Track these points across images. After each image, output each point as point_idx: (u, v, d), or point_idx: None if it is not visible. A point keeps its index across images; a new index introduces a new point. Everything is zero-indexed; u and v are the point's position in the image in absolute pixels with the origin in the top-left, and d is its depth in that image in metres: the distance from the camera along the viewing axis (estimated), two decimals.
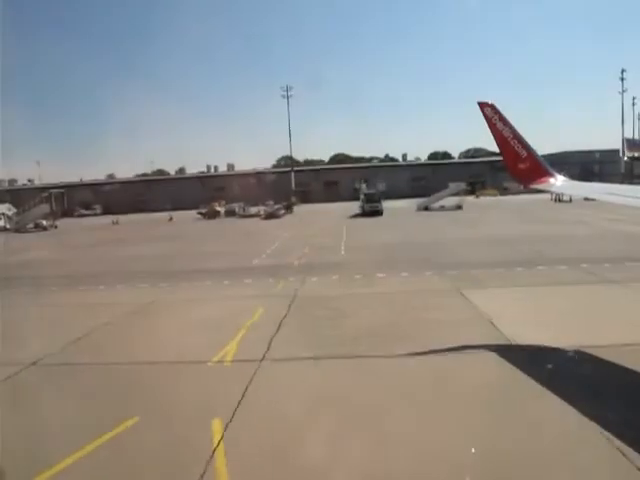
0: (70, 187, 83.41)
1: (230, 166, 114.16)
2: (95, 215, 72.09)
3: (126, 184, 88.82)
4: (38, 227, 47.69)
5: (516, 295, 11.59)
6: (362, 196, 46.20)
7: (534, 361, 7.06)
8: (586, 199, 46.29)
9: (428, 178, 78.93)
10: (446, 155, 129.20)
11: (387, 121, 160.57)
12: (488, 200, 62.26)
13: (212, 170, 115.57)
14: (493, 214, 36.65)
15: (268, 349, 8.18)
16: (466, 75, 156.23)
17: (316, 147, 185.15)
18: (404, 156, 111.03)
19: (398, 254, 19.07)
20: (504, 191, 71.74)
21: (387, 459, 4.72)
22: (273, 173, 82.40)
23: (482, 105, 7.48)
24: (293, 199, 73.73)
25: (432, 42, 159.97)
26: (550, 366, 6.78)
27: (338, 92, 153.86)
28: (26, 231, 45.82)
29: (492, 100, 7.46)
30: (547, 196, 50.29)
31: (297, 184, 78.50)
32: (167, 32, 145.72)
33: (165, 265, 19.30)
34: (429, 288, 12.70)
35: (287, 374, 7.08)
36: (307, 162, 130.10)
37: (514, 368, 6.73)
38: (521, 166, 7.48)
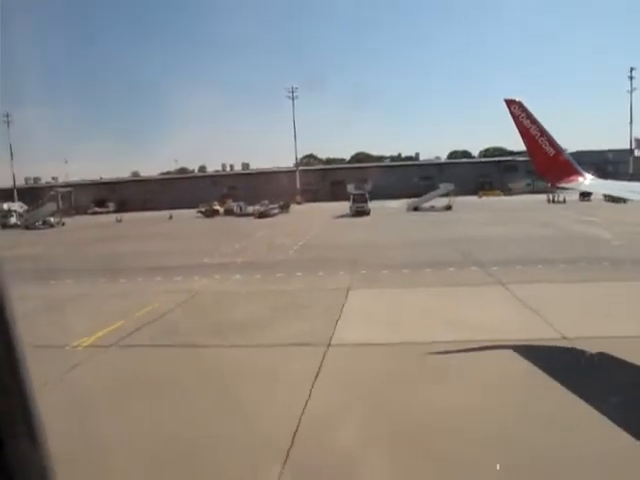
0: (85, 185, 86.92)
1: (245, 165, 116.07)
2: (108, 212, 75.05)
3: (140, 182, 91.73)
4: (46, 224, 50.32)
5: (392, 295, 12.39)
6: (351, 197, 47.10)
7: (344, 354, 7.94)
8: (582, 200, 45.93)
9: (435, 177, 78.59)
10: (466, 154, 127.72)
11: (409, 120, 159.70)
12: (488, 200, 61.94)
13: (227, 169, 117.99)
14: (476, 215, 36.92)
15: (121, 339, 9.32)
16: (483, 74, 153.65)
17: (339, 146, 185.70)
18: (417, 155, 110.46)
19: (340, 254, 19.96)
20: (508, 191, 71.12)
21: None
22: (281, 172, 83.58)
23: (509, 102, 7.26)
24: (298, 198, 75.28)
25: (451, 43, 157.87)
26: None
27: (361, 91, 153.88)
28: (35, 228, 48.46)
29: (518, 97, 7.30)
30: (544, 197, 50.09)
31: (305, 183, 79.65)
32: (198, 31, 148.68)
33: (124, 263, 20.59)
34: (323, 287, 13.58)
35: (117, 359, 8.19)
36: (329, 161, 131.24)
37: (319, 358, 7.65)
38: (549, 165, 7.30)
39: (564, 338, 8.12)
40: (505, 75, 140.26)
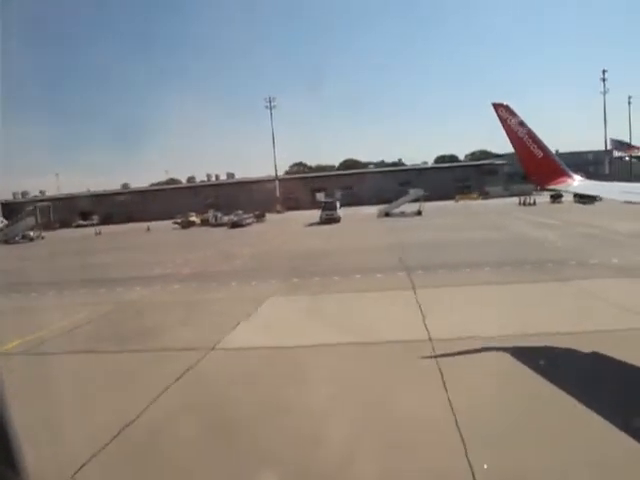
0: (73, 198, 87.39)
1: (230, 175, 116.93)
2: (92, 225, 75.23)
3: (126, 194, 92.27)
4: (25, 238, 50.62)
5: (303, 302, 12.96)
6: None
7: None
8: (553, 202, 46.78)
9: (413, 182, 79.45)
10: (453, 158, 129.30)
11: (397, 126, 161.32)
12: (463, 204, 62.81)
13: (213, 178, 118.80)
14: (441, 220, 37.71)
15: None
16: (468, 77, 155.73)
17: (329, 153, 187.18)
18: (399, 161, 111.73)
19: (286, 263, 20.58)
20: (486, 195, 72.05)
21: None
22: (264, 181, 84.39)
23: (496, 106, 7.35)
24: (278, 207, 75.99)
25: (439, 44, 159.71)
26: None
27: (351, 98, 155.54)
28: (14, 242, 48.75)
29: (505, 101, 7.44)
30: (517, 200, 51.12)
31: (285, 192, 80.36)
32: (187, 42, 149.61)
33: (78, 275, 20.95)
34: (245, 296, 14.12)
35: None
36: (319, 168, 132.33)
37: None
38: (537, 167, 7.33)
39: (429, 339, 8.65)
40: (491, 77, 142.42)
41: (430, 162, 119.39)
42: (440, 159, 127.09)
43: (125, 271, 21.31)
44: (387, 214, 47.92)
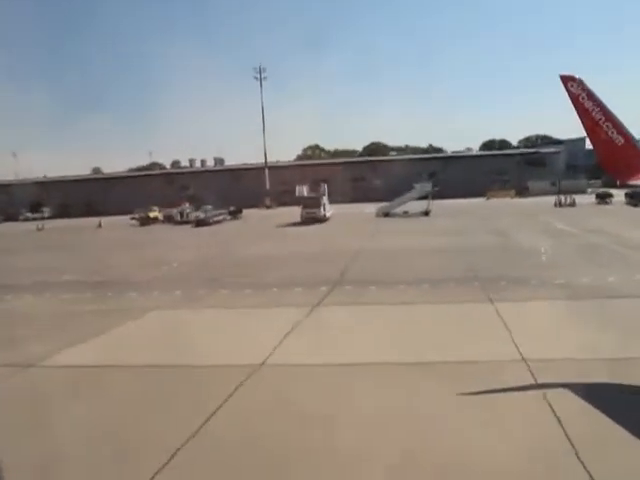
0: (25, 185, 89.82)
1: (218, 161, 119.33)
2: (42, 219, 77.69)
3: (85, 182, 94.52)
4: None
5: (180, 316, 14.22)
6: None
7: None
8: (599, 203, 47.06)
9: (439, 174, 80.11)
10: (504, 143, 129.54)
11: (436, 105, 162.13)
12: (490, 203, 63.25)
13: (198, 164, 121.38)
14: (445, 223, 38.71)
15: None
16: (526, 47, 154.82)
17: (350, 135, 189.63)
18: (430, 146, 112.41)
19: (210, 273, 21.98)
20: (524, 192, 71.90)
21: None
22: (255, 170, 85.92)
23: (565, 79, 7.14)
24: (267, 201, 77.42)
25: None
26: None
27: (377, 69, 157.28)
28: None
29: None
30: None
31: (281, 183, 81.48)
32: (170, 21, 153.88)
33: None
34: (131, 307, 15.44)
35: None
36: (337, 153, 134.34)
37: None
38: (616, 157, 7.05)
39: (262, 364, 9.72)
40: (557, 48, 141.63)
41: (476, 149, 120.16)
42: (487, 145, 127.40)
43: (35, 276, 22.85)
44: (387, 214, 48.71)
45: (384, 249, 26.54)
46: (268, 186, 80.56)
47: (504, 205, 57.86)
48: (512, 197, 71.47)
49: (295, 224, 45.75)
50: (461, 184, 77.58)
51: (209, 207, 55.52)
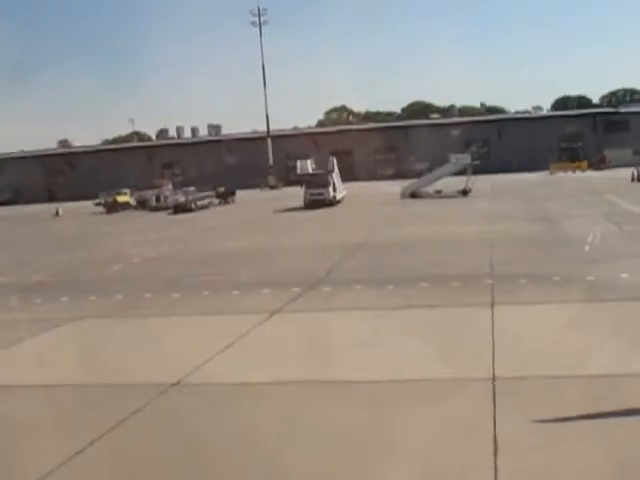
0: None
1: (214, 129, 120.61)
2: None
3: (44, 159, 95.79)
4: None
5: (104, 327, 14.90)
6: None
7: None
8: None
9: (489, 142, 79.77)
10: (582, 101, 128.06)
11: (496, 57, 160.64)
12: (555, 179, 63.08)
13: (187, 134, 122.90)
14: (486, 205, 39.36)
15: None
16: None
17: (386, 95, 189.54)
18: (481, 105, 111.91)
19: (170, 271, 23.17)
20: (600, 162, 71.04)
21: None
22: (258, 140, 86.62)
23: None
24: (271, 180, 78.02)
25: None
26: None
27: (423, 16, 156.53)
28: None
29: None
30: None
31: (289, 157, 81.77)
32: None
33: None
34: (56, 317, 16.13)
35: None
36: (369, 116, 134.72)
37: None
38: None
39: (176, 384, 10.25)
40: None
41: (547, 108, 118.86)
42: (561, 103, 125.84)
43: None
44: (414, 194, 48.94)
45: (393, 241, 27.14)
46: (272, 161, 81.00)
47: (569, 181, 57.71)
48: (583, 170, 70.73)
49: (297, 209, 46.41)
50: (520, 154, 77.18)
51: (192, 189, 56.40)
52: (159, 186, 66.09)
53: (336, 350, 11.89)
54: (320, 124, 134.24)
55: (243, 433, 8.24)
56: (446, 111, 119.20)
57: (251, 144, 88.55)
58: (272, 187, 75.65)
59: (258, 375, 10.48)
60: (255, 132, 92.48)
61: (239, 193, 64.45)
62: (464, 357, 10.87)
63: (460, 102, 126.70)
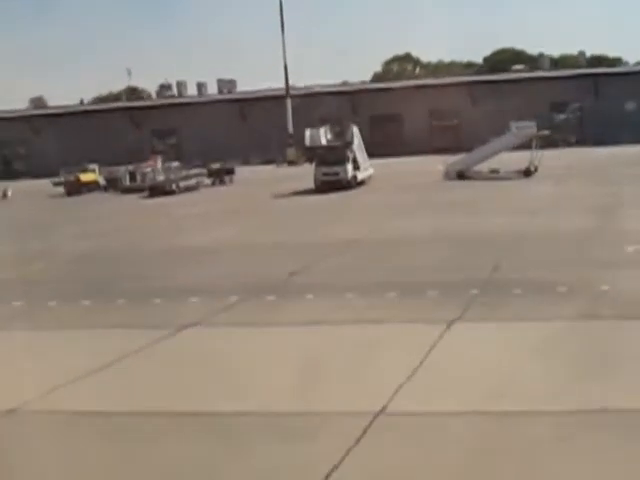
0: None
1: (226, 84, 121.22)
2: None
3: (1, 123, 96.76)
4: None
5: None
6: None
7: None
8: None
9: (582, 105, 79.20)
10: None
11: None
12: None
13: (191, 91, 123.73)
14: (549, 191, 40.07)
15: None
16: None
17: (464, 42, 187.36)
18: (579, 53, 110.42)
19: (108, 272, 24.51)
20: None
21: None
22: (265, 100, 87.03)
23: None
24: (290, 152, 78.03)
25: None
26: None
27: None
28: None
29: None
30: None
31: (315, 122, 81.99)
32: None
33: None
34: None
35: None
36: (441, 67, 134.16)
37: None
38: None
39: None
40: None
41: None
42: None
43: None
44: (462, 174, 49.12)
45: (395, 238, 27.78)
46: (292, 129, 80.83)
47: None
48: None
49: (305, 193, 47.05)
50: (624, 120, 76.16)
51: (175, 164, 57.46)
52: (146, 160, 66.94)
53: (210, 376, 12.66)
54: (376, 78, 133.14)
55: None
56: (533, 63, 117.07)
57: (270, 105, 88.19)
58: (291, 163, 74.92)
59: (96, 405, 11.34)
60: (276, 90, 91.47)
61: (247, 170, 65.58)
62: (366, 386, 11.57)
63: (562, 50, 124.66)
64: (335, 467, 8.26)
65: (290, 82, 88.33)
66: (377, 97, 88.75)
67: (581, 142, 75.11)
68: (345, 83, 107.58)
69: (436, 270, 21.03)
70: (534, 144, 49.33)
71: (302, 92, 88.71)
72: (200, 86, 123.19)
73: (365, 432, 9.46)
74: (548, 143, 63.81)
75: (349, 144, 49.58)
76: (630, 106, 77.44)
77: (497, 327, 14.89)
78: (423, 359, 12.72)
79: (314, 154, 50.71)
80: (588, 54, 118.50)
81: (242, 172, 65.30)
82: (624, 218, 29.26)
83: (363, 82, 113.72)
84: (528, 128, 49.82)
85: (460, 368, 12.42)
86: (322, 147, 50.83)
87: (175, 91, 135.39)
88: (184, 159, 65.44)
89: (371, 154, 74.06)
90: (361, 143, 52.08)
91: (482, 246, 24.57)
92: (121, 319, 17.53)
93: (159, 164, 63.20)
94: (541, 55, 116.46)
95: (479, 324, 15.16)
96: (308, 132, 52.26)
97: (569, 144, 73.91)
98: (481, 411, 10.12)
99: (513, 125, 51.62)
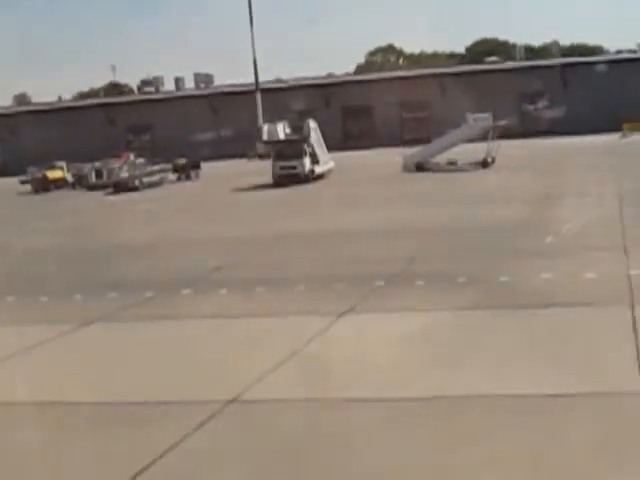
0: None
1: (203, 79, 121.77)
2: None
3: None
4: None
5: None
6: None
7: None
8: None
9: (551, 93, 79.80)
10: None
11: None
12: (621, 144, 63.03)
13: (168, 86, 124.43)
14: (499, 183, 40.51)
15: None
16: None
17: (448, 32, 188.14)
18: (554, 43, 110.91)
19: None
20: None
21: None
22: (237, 95, 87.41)
23: None
24: (259, 146, 77.97)
25: None
26: None
27: None
28: None
29: None
30: None
31: (287, 115, 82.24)
32: None
33: None
34: None
35: None
36: (424, 58, 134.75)
37: None
38: None
39: None
40: None
41: None
42: None
43: None
44: (420, 166, 49.61)
45: (332, 231, 28.22)
46: (262, 122, 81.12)
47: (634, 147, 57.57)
48: None
49: (265, 187, 47.56)
50: (595, 110, 76.66)
51: (140, 161, 57.88)
52: (118, 156, 67.27)
53: (86, 368, 13.17)
54: (360, 69, 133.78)
55: None
56: (527, 52, 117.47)
57: (242, 99, 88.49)
58: (261, 156, 74.83)
59: None
60: (247, 85, 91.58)
61: (218, 165, 66.05)
62: (230, 376, 12.05)
63: (545, 40, 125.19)
64: (169, 449, 8.83)
65: (274, 75, 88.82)
66: (350, 89, 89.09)
67: (551, 132, 75.31)
68: (330, 75, 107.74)
69: (355, 262, 21.55)
70: (490, 135, 49.70)
71: (274, 86, 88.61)
72: (178, 81, 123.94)
73: (210, 418, 10.01)
74: (519, 133, 65.01)
75: (306, 138, 49.88)
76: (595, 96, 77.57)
77: (382, 318, 15.52)
78: (298, 350, 13.27)
79: (272, 148, 50.50)
80: (570, 43, 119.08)
81: (212, 167, 66.10)
82: (558, 208, 30.02)
83: (347, 74, 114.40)
84: (484, 120, 50.36)
85: (329, 359, 13.08)
86: (279, 141, 51.31)
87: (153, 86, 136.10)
88: (159, 155, 65.37)
89: (343, 146, 74.99)
90: (320, 137, 52.51)
91: (409, 238, 25.14)
92: (35, 315, 17.78)
93: (132, 158, 63.80)
94: (514, 46, 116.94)
95: (367, 315, 15.86)
96: (265, 127, 53.03)
97: (539, 134, 74.19)
98: (326, 398, 10.66)
99: (470, 117, 52.12)
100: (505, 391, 10.21)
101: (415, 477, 7.97)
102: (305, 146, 49.40)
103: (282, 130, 52.46)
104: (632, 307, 14.46)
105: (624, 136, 68.94)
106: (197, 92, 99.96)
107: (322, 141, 53.22)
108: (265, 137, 52.99)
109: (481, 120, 50.89)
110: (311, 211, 35.85)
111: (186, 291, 19.48)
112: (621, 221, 25.98)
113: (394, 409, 10.06)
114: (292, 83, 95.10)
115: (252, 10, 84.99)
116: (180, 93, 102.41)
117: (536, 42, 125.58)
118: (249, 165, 72.62)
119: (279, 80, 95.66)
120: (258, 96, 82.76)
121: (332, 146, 74.52)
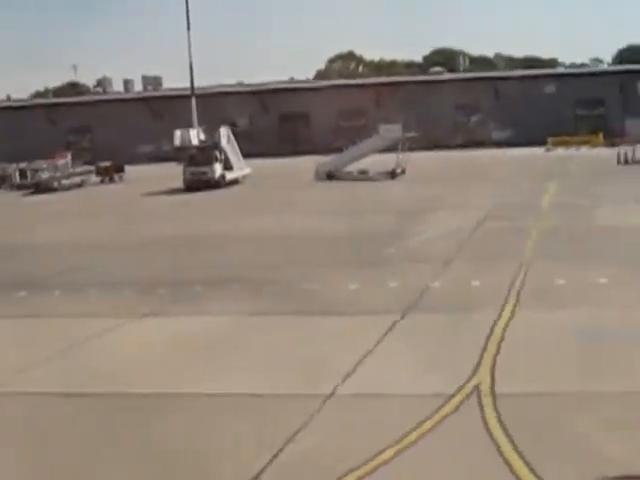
0: None
1: (151, 82, 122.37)
2: None
3: None
4: None
5: None
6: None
7: None
8: None
9: (483, 107, 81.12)
10: None
11: None
12: (542, 157, 64.92)
13: (118, 88, 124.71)
14: (403, 194, 42.02)
15: None
16: None
17: (410, 40, 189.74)
18: (497, 56, 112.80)
19: None
20: (618, 138, 71.02)
21: None
22: (174, 99, 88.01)
23: None
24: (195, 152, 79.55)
25: None
26: None
27: None
28: None
29: None
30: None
31: (225, 120, 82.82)
32: None
33: None
34: None
35: None
36: (383, 66, 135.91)
37: None
38: None
39: None
40: None
41: (608, 60, 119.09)
42: (626, 54, 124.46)
43: None
44: (331, 175, 50.60)
45: (194, 236, 29.63)
46: (196, 123, 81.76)
47: (555, 160, 59.10)
48: (594, 145, 71.41)
49: (177, 191, 48.42)
50: (522, 123, 78.38)
51: (62, 162, 58.56)
52: (53, 158, 67.54)
53: None
54: (319, 75, 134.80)
55: None
56: (480, 62, 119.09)
57: (181, 104, 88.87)
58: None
59: None
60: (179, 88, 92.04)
61: (149, 168, 67.07)
62: None
63: (501, 50, 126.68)
64: None
65: (237, 79, 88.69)
66: (288, 96, 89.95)
67: (483, 144, 76.74)
68: (292, 80, 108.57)
69: (194, 267, 22.65)
70: (400, 147, 50.77)
71: (214, 91, 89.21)
72: (126, 83, 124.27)
73: None
74: (449, 145, 66.21)
75: (217, 145, 50.80)
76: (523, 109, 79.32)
77: (170, 321, 16.42)
78: (68, 349, 14.15)
79: (183, 154, 51.51)
80: (525, 55, 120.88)
81: (142, 170, 67.02)
82: (425, 220, 30.83)
83: (307, 79, 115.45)
84: (394, 131, 51.28)
85: (90, 359, 13.82)
86: (191, 147, 52.27)
87: (116, 85, 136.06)
88: (98, 156, 66.08)
89: (279, 152, 75.89)
90: (234, 144, 53.39)
91: (267, 245, 26.17)
92: None
93: (69, 160, 64.13)
94: (461, 54, 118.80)
95: (160, 318, 16.73)
96: (178, 132, 53.54)
97: (471, 145, 75.69)
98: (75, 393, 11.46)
99: (381, 128, 53.14)
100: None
101: None
102: (216, 152, 50.40)
103: (196, 136, 53.26)
104: (403, 316, 15.42)
105: (548, 149, 70.74)
106: (137, 95, 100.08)
107: (237, 148, 53.98)
108: (177, 143, 53.65)
109: (392, 131, 51.78)
110: (196, 217, 36.70)
111: (22, 293, 19.98)
112: (470, 235, 27.05)
113: (92, 404, 11.08)
114: (233, 89, 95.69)
115: (189, 14, 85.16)
116: (120, 95, 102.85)
117: (490, 53, 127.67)
118: (177, 169, 73.12)
119: (221, 85, 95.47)
120: (193, 101, 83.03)
121: (268, 152, 76.04)
